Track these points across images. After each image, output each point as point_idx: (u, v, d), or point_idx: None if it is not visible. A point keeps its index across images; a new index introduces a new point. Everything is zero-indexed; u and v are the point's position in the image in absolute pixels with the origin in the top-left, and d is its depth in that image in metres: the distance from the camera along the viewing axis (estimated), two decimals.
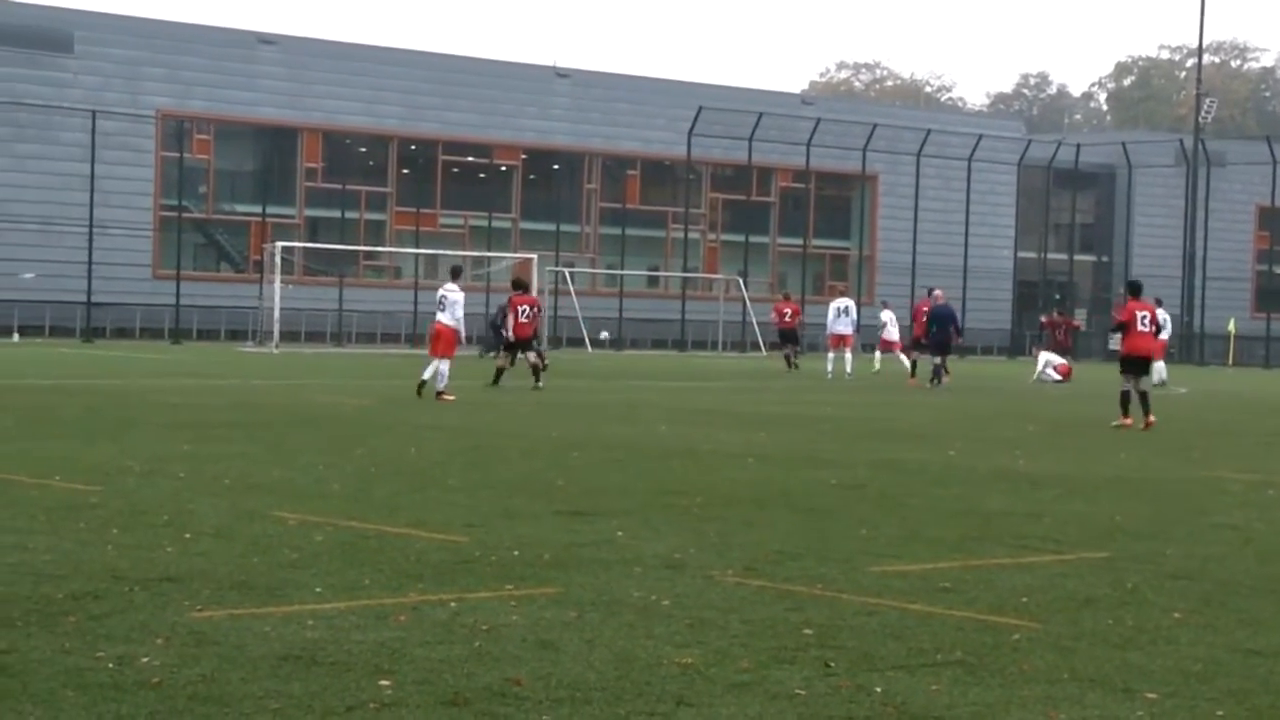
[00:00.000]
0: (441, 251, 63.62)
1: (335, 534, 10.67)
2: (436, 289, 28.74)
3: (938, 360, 36.32)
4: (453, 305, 27.01)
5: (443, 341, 26.63)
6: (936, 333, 36.44)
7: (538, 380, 29.85)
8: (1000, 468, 16.92)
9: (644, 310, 66.13)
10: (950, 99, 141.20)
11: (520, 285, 32.69)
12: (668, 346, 62.20)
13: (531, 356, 30.36)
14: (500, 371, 30.53)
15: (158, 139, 60.60)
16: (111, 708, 6.12)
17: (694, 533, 11.21)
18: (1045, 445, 20.42)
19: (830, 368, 39.63)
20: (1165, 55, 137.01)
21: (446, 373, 26.14)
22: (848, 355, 40.12)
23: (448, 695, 6.43)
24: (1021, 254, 76.03)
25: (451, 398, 25.61)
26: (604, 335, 49.66)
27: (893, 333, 44.08)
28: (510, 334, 30.75)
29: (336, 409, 23.33)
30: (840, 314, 40.79)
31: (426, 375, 26.35)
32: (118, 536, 10.30)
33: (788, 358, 43.53)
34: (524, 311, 30.75)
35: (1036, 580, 9.64)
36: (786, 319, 44.19)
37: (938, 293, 38.35)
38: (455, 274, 28.39)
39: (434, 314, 28.09)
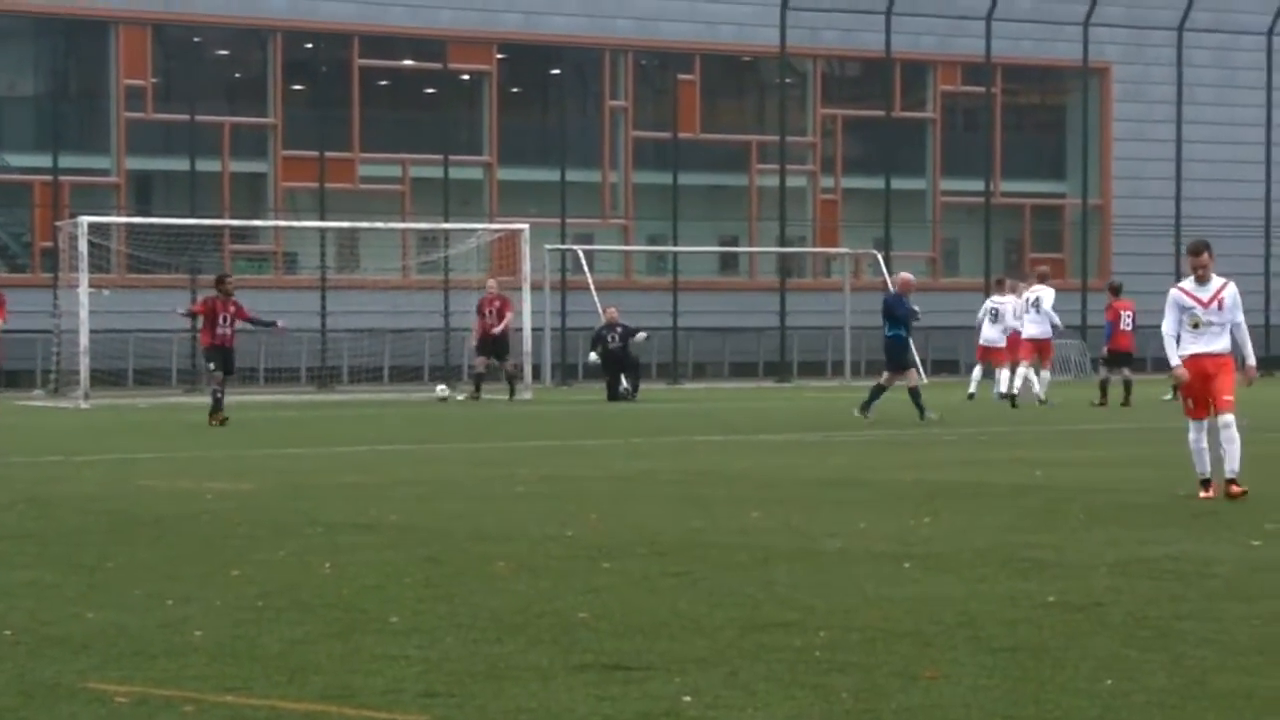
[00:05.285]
0: (364, 224, 63.45)
1: (198, 718, 10.69)
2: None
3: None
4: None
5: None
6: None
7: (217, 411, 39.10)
8: None
9: (715, 309, 65.91)
10: None
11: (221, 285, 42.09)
12: (757, 373, 62.12)
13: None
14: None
15: None
16: None
17: (814, 693, 11.20)
18: None
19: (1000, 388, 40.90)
20: None
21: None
22: (1028, 372, 40.77)
23: None
24: None
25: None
26: (641, 336, 50.41)
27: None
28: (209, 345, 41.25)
29: (194, 501, 23.37)
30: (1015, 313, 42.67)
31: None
32: None
33: (479, 377, 50.94)
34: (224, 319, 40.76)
35: None
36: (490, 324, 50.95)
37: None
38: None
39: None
